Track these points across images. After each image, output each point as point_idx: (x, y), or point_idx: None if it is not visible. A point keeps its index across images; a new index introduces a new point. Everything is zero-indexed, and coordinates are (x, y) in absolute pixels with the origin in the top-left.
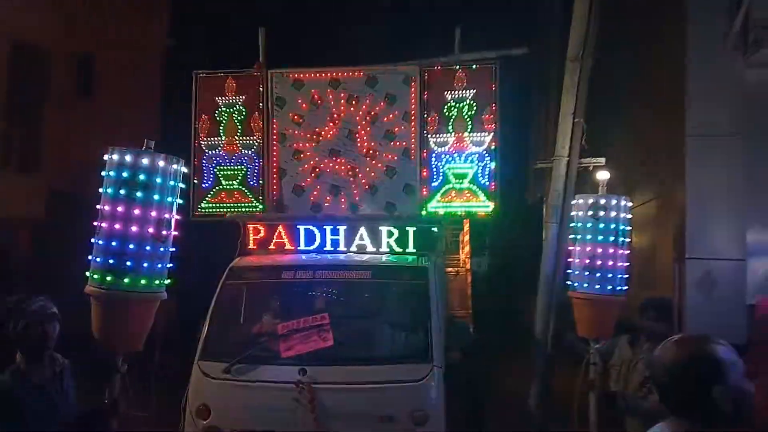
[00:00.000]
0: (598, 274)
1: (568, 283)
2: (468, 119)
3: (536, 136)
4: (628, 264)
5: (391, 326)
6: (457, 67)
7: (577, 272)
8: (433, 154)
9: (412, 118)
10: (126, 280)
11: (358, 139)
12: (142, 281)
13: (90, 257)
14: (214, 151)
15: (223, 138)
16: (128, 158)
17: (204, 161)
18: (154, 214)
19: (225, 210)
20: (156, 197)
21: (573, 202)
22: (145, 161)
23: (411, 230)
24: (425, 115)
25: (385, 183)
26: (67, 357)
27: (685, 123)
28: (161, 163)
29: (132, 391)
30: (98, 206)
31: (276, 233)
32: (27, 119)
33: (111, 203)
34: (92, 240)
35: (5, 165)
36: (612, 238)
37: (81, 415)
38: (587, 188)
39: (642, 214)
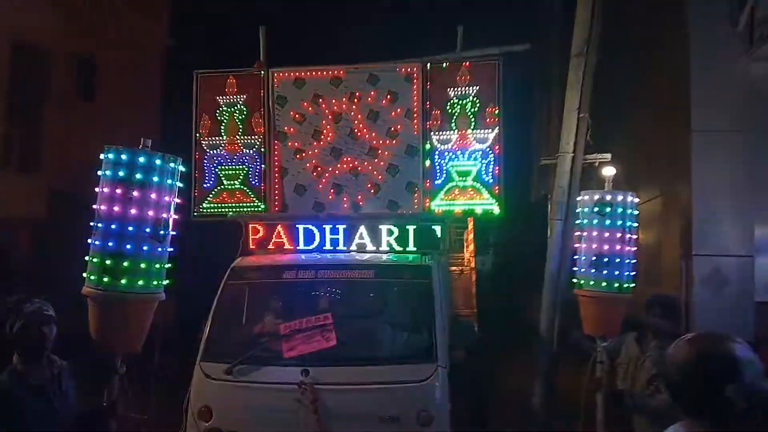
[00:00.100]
0: (604, 272)
1: (574, 280)
2: (471, 116)
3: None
4: (635, 261)
5: (395, 326)
6: (460, 63)
7: (583, 270)
8: (436, 152)
9: (415, 115)
10: (123, 281)
11: (360, 138)
12: (140, 282)
13: (87, 258)
14: (215, 151)
15: (225, 137)
16: (124, 157)
17: (205, 161)
18: (151, 213)
19: (227, 210)
20: (153, 196)
21: (578, 198)
22: (141, 160)
23: (411, 229)
24: (428, 113)
25: (388, 181)
26: (66, 358)
27: (689, 119)
28: (158, 162)
29: (131, 393)
30: (94, 206)
31: (275, 233)
32: (27, 119)
33: (107, 203)
34: (89, 240)
35: (6, 165)
36: (619, 235)
37: (80, 416)
38: (592, 185)
39: (648, 211)
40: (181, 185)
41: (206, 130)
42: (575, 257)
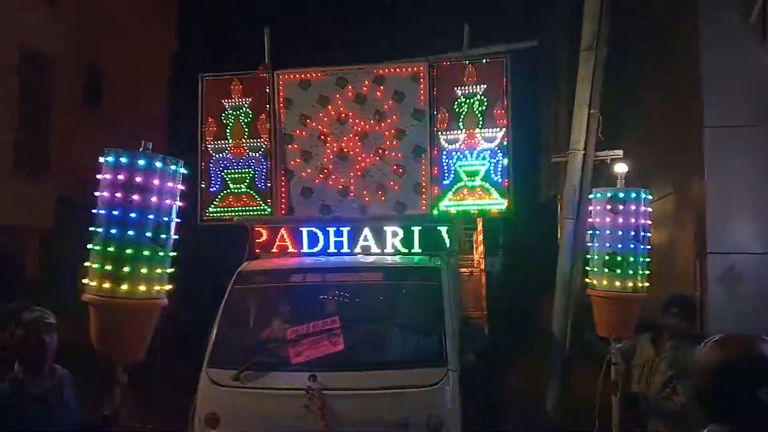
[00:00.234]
0: (618, 271)
1: (587, 281)
2: (479, 115)
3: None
4: (649, 260)
5: (404, 329)
6: (467, 62)
7: (595, 269)
8: (444, 152)
9: (422, 115)
10: (124, 287)
11: (367, 139)
12: (141, 287)
13: (87, 263)
14: (221, 155)
15: (230, 141)
16: (124, 159)
17: (211, 165)
18: (152, 217)
19: (233, 214)
20: (154, 200)
21: (590, 196)
22: (141, 162)
23: (416, 230)
24: (435, 112)
25: (395, 182)
26: (67, 367)
27: (702, 114)
28: (159, 164)
29: (133, 402)
30: (94, 210)
31: (278, 236)
32: (34, 127)
33: (107, 207)
34: (88, 245)
35: (15, 173)
36: (632, 233)
37: (81, 426)
38: (603, 183)
39: (660, 209)
40: (182, 188)
41: (212, 134)
42: (587, 257)
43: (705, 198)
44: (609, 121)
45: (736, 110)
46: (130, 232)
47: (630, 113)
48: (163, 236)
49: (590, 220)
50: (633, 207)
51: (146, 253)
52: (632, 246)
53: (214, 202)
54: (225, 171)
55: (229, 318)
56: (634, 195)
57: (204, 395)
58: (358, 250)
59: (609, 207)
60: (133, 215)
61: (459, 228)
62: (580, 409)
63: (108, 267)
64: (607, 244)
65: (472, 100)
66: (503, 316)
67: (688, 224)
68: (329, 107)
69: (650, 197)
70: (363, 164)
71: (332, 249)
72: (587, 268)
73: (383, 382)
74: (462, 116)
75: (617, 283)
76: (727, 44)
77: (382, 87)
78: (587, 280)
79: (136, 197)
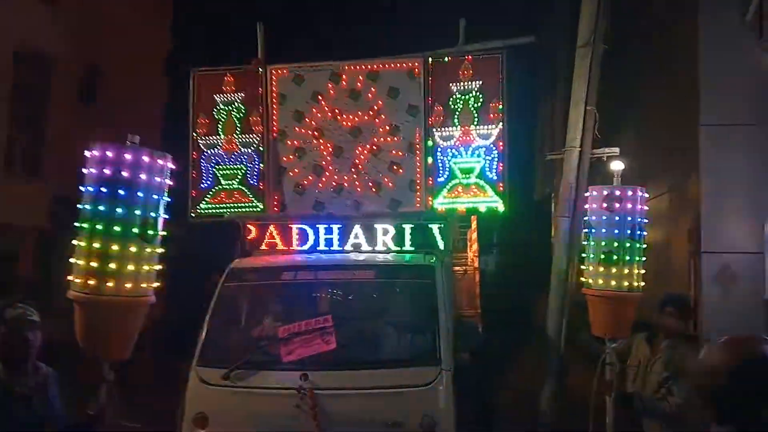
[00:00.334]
0: (613, 270)
1: (582, 280)
2: (474, 111)
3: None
4: (645, 259)
5: (397, 328)
6: (463, 57)
7: (591, 268)
8: (439, 149)
9: (417, 111)
10: (110, 284)
11: (361, 135)
12: (128, 285)
13: (72, 260)
14: (212, 150)
15: (222, 136)
16: (110, 154)
17: (203, 161)
18: (139, 213)
19: (225, 210)
20: (141, 195)
21: (586, 194)
22: (128, 157)
23: (408, 228)
24: (430, 109)
25: (390, 179)
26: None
27: (698, 113)
28: (146, 159)
29: (120, 400)
30: (79, 206)
31: (267, 233)
32: (30, 125)
33: (92, 202)
34: (73, 242)
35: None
36: (628, 232)
37: (66, 425)
38: (598, 180)
39: (655, 208)
40: (170, 183)
41: (203, 129)
42: (583, 255)
43: (700, 197)
44: (608, 121)
45: (733, 109)
46: (117, 228)
47: (629, 113)
48: (151, 232)
49: (586, 218)
50: (629, 205)
51: (133, 249)
52: (628, 244)
53: (206, 199)
54: (216, 167)
55: (220, 316)
56: (630, 193)
57: (193, 394)
58: (348, 247)
59: (605, 205)
60: (119, 211)
61: (453, 226)
62: (575, 408)
63: (93, 264)
64: (603, 242)
65: (467, 97)
66: (498, 314)
67: (683, 223)
68: (323, 103)
69: (647, 195)
70: (357, 161)
71: (322, 246)
72: (582, 267)
73: (376, 381)
74: (457, 113)
75: (613, 283)
76: (727, 44)
77: (376, 83)
78: (583, 279)
79: (122, 192)
